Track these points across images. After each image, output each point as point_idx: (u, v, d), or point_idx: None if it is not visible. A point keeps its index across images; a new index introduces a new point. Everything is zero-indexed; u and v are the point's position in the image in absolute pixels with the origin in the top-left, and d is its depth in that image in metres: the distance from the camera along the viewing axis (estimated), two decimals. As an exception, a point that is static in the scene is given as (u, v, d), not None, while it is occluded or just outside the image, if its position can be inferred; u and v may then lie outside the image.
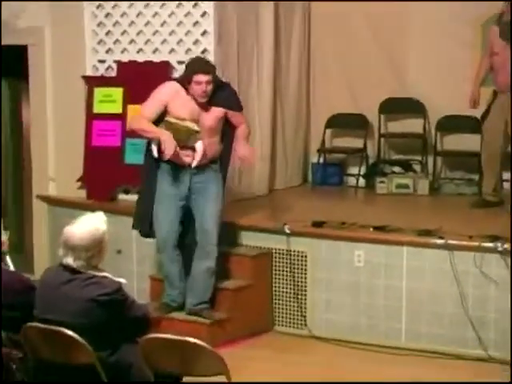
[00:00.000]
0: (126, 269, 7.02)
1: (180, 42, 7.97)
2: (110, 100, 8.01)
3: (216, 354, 4.18)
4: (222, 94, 6.02)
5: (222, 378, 4.20)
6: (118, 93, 7.96)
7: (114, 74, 7.99)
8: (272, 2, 8.47)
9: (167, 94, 5.98)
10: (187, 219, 6.16)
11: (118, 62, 7.89)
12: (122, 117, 7.90)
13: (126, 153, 8.00)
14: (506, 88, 7.48)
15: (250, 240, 7.03)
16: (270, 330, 6.74)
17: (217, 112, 5.97)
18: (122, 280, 4.89)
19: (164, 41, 7.99)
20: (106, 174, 8.02)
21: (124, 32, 7.90)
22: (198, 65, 5.88)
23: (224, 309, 6.37)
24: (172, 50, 7.90)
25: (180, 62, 7.90)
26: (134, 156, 7.88)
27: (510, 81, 7.34)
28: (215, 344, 5.08)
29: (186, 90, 5.84)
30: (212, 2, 7.75)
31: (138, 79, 7.73)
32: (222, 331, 6.21)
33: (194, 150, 5.87)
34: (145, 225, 6.32)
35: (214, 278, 6.28)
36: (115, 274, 4.95)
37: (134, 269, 7.18)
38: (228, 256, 6.71)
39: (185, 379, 4.67)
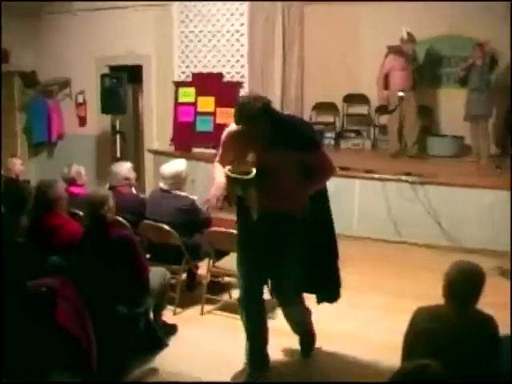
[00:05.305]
0: (197, 191, 7.44)
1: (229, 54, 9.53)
2: (187, 94, 9.98)
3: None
4: (289, 133, 4.41)
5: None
6: (192, 90, 10.04)
7: (190, 79, 10.10)
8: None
9: (226, 137, 4.67)
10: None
11: (193, 73, 10.06)
12: (194, 104, 9.86)
13: (197, 124, 9.87)
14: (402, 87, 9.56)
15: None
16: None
17: (284, 156, 4.40)
18: (195, 197, 6.08)
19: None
20: (186, 137, 9.82)
21: (200, 51, 9.95)
22: (235, 114, 4.37)
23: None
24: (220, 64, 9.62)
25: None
26: (202, 126, 9.75)
27: None
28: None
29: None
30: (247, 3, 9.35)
31: (205, 83, 9.80)
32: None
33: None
34: None
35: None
36: (191, 194, 6.25)
37: (201, 191, 7.19)
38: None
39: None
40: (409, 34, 9.68)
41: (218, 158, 4.75)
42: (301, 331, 5.05)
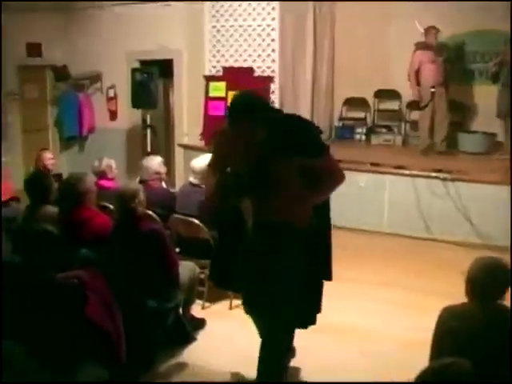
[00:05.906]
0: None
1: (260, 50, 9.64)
2: (218, 89, 9.88)
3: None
4: (291, 135, 3.87)
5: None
6: (223, 85, 9.90)
7: (221, 74, 10.01)
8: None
9: (217, 138, 4.17)
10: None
11: (224, 67, 10.00)
12: (225, 98, 9.64)
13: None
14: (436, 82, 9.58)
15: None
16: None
17: (284, 161, 3.88)
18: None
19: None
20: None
21: (231, 45, 10.07)
22: (229, 110, 3.89)
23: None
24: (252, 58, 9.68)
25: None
26: (232, 120, 9.20)
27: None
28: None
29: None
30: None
31: (235, 77, 9.67)
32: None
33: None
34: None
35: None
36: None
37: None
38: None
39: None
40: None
41: (209, 162, 4.25)
42: (264, 372, 4.22)
